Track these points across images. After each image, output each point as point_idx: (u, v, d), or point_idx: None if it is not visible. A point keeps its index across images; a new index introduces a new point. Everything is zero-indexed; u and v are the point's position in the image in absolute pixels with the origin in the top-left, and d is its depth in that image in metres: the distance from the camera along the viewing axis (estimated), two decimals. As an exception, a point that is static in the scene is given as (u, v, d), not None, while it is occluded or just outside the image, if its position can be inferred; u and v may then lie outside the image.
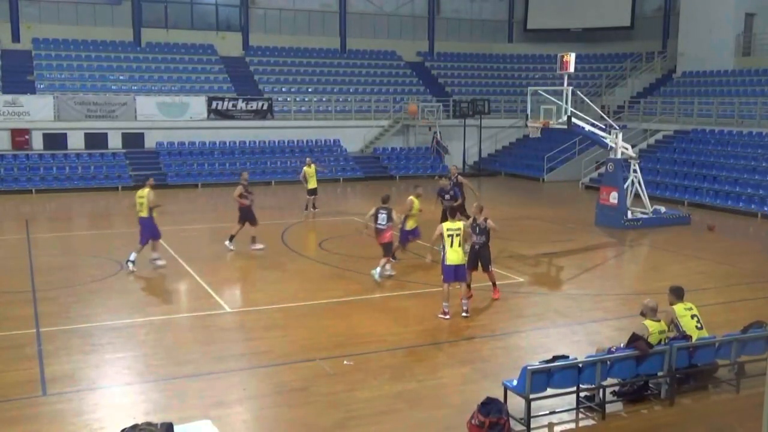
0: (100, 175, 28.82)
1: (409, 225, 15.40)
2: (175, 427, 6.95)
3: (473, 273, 12.85)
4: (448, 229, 11.91)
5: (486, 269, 13.06)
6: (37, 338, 10.93)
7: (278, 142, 32.96)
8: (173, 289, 14.23)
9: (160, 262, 15.48)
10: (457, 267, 11.92)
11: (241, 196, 16.98)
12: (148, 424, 6.97)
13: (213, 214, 24.05)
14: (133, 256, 15.12)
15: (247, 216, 17.11)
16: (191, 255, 16.62)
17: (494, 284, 13.32)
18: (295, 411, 8.60)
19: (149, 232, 15.40)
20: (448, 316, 12.01)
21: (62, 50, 33.54)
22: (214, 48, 36.61)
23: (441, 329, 11.62)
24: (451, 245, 11.84)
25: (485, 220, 12.85)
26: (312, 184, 22.30)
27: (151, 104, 31.22)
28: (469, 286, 12.69)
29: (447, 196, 17.09)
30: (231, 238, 17.15)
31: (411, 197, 15.48)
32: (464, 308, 12.21)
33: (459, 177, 18.18)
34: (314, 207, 22.52)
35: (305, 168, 22.44)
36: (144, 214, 15.37)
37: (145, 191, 15.59)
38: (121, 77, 33.11)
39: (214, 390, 9.14)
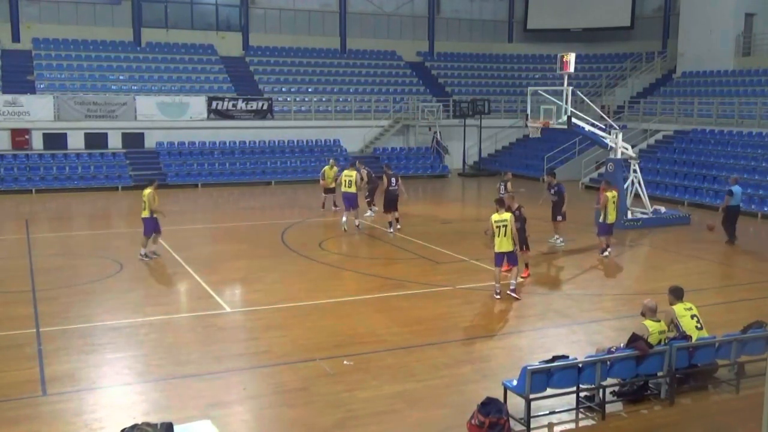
0: (100, 175, 28.82)
1: (609, 219, 16.73)
2: (175, 427, 6.95)
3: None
4: (495, 221, 13.07)
5: (520, 249, 14.50)
6: (37, 338, 10.93)
7: (278, 142, 32.95)
8: (173, 289, 14.23)
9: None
10: (505, 254, 13.18)
11: None
12: (148, 424, 6.97)
13: (213, 214, 24.08)
14: (356, 221, 19.89)
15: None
16: (191, 255, 16.62)
17: (526, 265, 15.01)
18: (295, 411, 8.60)
19: (351, 203, 19.76)
20: (498, 296, 13.21)
21: (62, 50, 33.54)
22: (214, 48, 36.61)
23: (441, 329, 11.62)
24: (498, 235, 12.98)
25: (519, 208, 14.54)
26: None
27: (151, 104, 31.21)
28: (526, 265, 14.81)
29: (552, 191, 18.28)
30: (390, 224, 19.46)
31: (607, 193, 16.78)
32: (511, 287, 13.37)
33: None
34: (335, 205, 23.00)
35: (326, 168, 23.19)
36: (353, 189, 19.74)
37: (353, 172, 19.97)
38: (121, 77, 33.11)
39: (214, 390, 9.15)
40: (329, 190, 22.94)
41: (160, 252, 16.46)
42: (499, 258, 13.24)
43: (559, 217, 18.07)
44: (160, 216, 16.26)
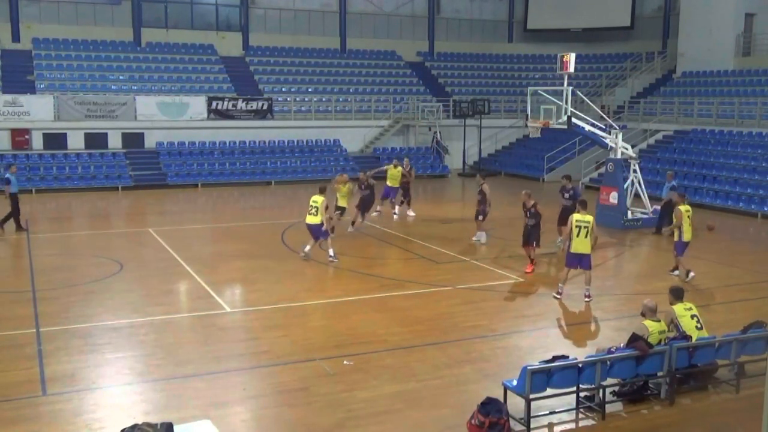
0: (100, 175, 28.82)
1: (686, 236, 14.75)
2: (175, 427, 6.95)
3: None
4: (577, 221, 12.93)
5: (530, 244, 15.39)
6: (37, 338, 10.93)
7: (278, 142, 32.96)
8: (173, 289, 14.23)
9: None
10: (581, 256, 13.01)
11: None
12: (148, 424, 6.97)
13: (213, 214, 24.08)
14: (410, 212, 21.89)
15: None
16: (191, 255, 16.63)
17: (532, 260, 15.43)
18: (295, 411, 8.60)
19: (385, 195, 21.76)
20: (560, 296, 13.24)
21: (62, 50, 33.54)
22: (214, 48, 36.61)
23: (441, 329, 11.62)
24: (578, 235, 12.85)
25: (534, 205, 15.19)
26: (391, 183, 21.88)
27: (151, 104, 31.21)
28: (532, 260, 15.31)
29: (566, 195, 17.68)
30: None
31: (680, 207, 14.85)
32: (586, 294, 13.23)
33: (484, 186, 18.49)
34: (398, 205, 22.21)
35: (391, 167, 21.96)
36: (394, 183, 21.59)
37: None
38: (121, 77, 33.10)
39: (214, 390, 9.14)
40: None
41: (311, 255, 16.10)
42: (573, 259, 13.04)
43: None
44: (327, 222, 16.03)
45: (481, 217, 18.21)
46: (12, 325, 11.54)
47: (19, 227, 19.45)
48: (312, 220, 15.71)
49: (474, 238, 18.35)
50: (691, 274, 14.79)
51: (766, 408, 5.37)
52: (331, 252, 15.89)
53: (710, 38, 33.30)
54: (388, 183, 21.96)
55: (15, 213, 19.43)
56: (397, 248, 17.72)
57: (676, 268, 15.22)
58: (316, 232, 15.82)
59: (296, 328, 11.63)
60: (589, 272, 13.25)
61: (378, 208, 21.86)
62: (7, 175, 19.91)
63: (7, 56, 32.52)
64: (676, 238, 14.90)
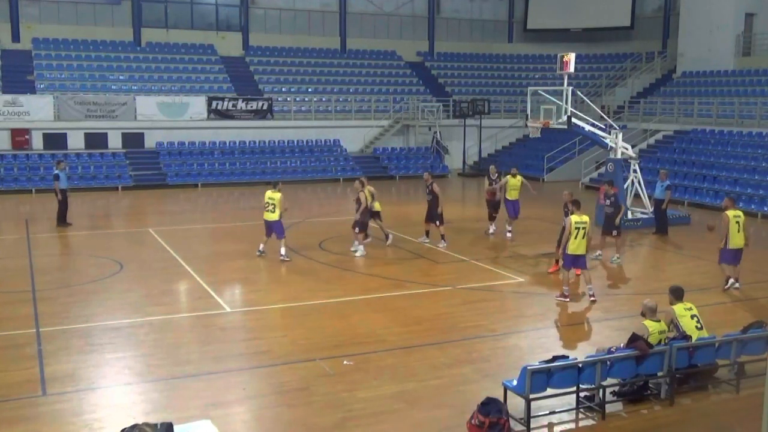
0: (100, 175, 28.82)
1: (731, 243, 13.88)
2: (175, 427, 6.94)
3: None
4: (576, 223, 12.90)
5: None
6: (37, 338, 10.93)
7: (278, 142, 32.98)
8: (173, 289, 14.22)
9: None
10: (576, 257, 13.00)
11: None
12: (148, 424, 6.96)
13: (213, 214, 24.07)
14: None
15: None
16: (191, 255, 16.62)
17: (557, 261, 14.91)
18: (295, 411, 8.60)
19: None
20: (567, 299, 13.10)
21: (62, 50, 33.55)
22: (214, 48, 36.62)
23: (441, 329, 11.62)
24: (576, 237, 12.87)
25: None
26: (513, 195, 19.01)
27: (151, 104, 31.22)
28: (557, 261, 14.78)
29: (608, 202, 16.48)
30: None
31: (727, 213, 13.97)
32: (591, 293, 13.12)
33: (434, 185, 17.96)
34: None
35: (510, 177, 19.05)
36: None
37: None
38: (121, 77, 33.12)
39: (214, 390, 9.14)
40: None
41: (266, 251, 16.33)
42: (572, 260, 13.03)
43: (615, 232, 16.33)
44: (285, 216, 16.27)
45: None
46: (12, 325, 11.54)
47: (64, 222, 20.23)
48: (270, 216, 15.92)
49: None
50: (732, 281, 14.01)
51: (766, 408, 5.37)
52: (282, 251, 15.91)
53: (710, 38, 33.32)
54: (508, 197, 18.88)
55: (63, 208, 20.21)
56: (397, 248, 17.71)
57: (728, 279, 14.01)
58: (276, 228, 15.96)
59: (296, 328, 11.63)
60: (587, 272, 13.31)
61: (509, 227, 19.15)
62: (56, 172, 20.44)
63: (7, 56, 32.53)
64: (721, 245, 14.04)
